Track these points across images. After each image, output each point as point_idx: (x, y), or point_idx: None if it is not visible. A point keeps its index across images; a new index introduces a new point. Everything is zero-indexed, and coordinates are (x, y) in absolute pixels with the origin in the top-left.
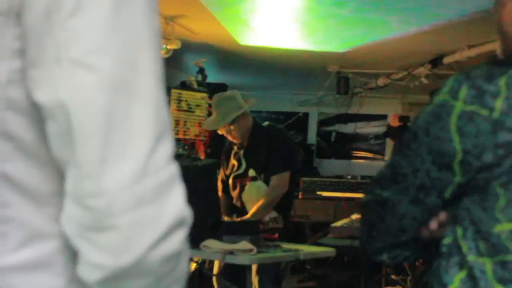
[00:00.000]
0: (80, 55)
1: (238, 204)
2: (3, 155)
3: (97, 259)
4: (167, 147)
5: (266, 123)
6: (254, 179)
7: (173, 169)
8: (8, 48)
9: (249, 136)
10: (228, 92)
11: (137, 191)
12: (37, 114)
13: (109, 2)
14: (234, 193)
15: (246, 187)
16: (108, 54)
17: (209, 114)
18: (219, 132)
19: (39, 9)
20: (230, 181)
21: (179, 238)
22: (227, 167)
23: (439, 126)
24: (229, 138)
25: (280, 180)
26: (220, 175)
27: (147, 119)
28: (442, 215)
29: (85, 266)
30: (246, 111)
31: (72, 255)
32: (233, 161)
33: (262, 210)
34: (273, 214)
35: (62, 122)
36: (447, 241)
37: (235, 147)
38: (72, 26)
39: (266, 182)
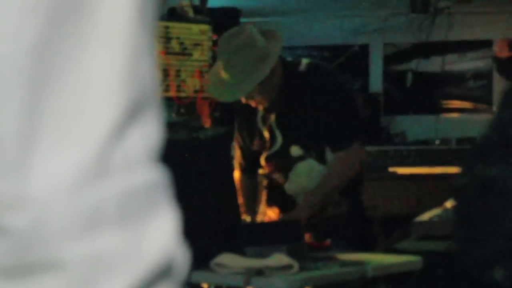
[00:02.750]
0: None
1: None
2: None
3: None
4: (147, 134)
5: (304, 61)
6: (300, 159)
7: (157, 175)
8: None
9: (281, 92)
10: (242, 31)
11: (87, 203)
12: None
13: None
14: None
15: (291, 174)
16: None
17: (214, 57)
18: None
19: None
20: (263, 163)
21: None
22: (251, 140)
23: None
24: (252, 104)
25: (349, 157)
26: (237, 152)
27: (109, 78)
28: None
29: None
30: (276, 62)
31: None
32: (264, 133)
33: (317, 204)
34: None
35: None
36: None
37: (261, 108)
38: None
39: (320, 159)
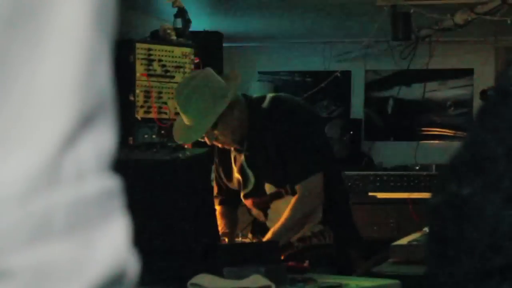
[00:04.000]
0: None
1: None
2: None
3: None
4: (100, 142)
5: (269, 96)
6: (277, 196)
7: (109, 183)
8: None
9: (248, 131)
10: (198, 74)
11: (34, 213)
12: None
13: None
14: (256, 213)
15: (270, 212)
16: None
17: None
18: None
19: None
20: (244, 201)
21: None
22: (227, 177)
23: None
24: (218, 145)
25: (305, 189)
26: (215, 188)
27: (62, 86)
28: None
29: None
30: (233, 98)
31: None
32: (236, 174)
33: (283, 234)
34: (316, 227)
35: None
36: None
37: (233, 149)
38: None
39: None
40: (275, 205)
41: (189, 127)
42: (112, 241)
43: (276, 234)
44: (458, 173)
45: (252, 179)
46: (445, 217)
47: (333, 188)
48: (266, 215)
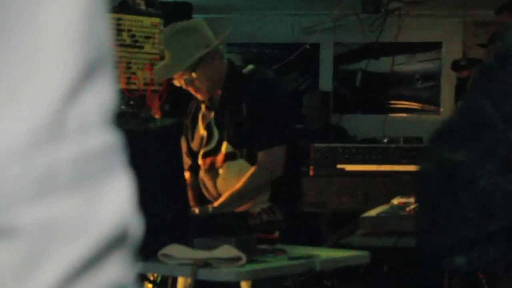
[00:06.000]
0: None
1: (214, 195)
2: None
3: None
4: (102, 95)
5: (249, 67)
6: (231, 157)
7: (112, 138)
8: None
9: (222, 90)
10: (188, 22)
11: (39, 167)
12: None
13: None
14: (207, 180)
15: (221, 171)
16: None
17: None
18: (176, 83)
19: None
20: (200, 161)
21: (119, 264)
22: (193, 139)
23: None
24: (191, 91)
25: (268, 157)
26: (184, 148)
27: (64, 36)
28: None
29: None
30: (217, 49)
31: None
32: (202, 130)
33: (234, 201)
34: (264, 204)
35: None
36: None
37: (203, 107)
38: None
39: (251, 160)
40: (227, 167)
41: (168, 65)
42: (117, 198)
43: (228, 198)
44: (451, 140)
45: (216, 136)
46: (436, 184)
47: (289, 164)
48: (216, 177)
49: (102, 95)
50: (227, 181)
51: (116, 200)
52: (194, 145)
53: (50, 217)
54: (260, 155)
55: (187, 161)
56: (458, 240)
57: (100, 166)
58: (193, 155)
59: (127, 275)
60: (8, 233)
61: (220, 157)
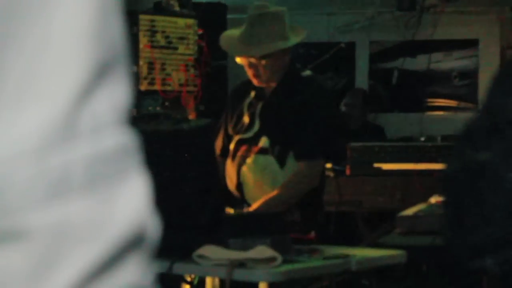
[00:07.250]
0: None
1: (234, 183)
2: None
3: None
4: (116, 95)
5: (307, 72)
6: (264, 151)
7: (126, 138)
8: None
9: (277, 85)
10: (275, 8)
11: (52, 168)
12: None
13: None
14: (231, 166)
15: (249, 160)
16: None
17: (200, 51)
18: (238, 60)
19: None
20: (232, 146)
21: (136, 266)
22: (232, 122)
23: None
24: (249, 73)
25: (309, 169)
26: (220, 136)
27: (77, 36)
28: None
29: None
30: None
31: None
32: (246, 117)
33: (270, 208)
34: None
35: None
36: None
37: (252, 93)
38: None
39: (281, 160)
40: (255, 158)
41: (247, 43)
42: (132, 199)
43: (263, 204)
44: (474, 139)
45: (256, 127)
46: (462, 184)
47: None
48: (242, 164)
49: (116, 95)
50: (250, 173)
51: (131, 201)
52: (230, 129)
53: (63, 219)
54: (302, 165)
55: (219, 144)
56: (485, 241)
57: (114, 167)
58: (227, 138)
59: (145, 277)
60: (20, 236)
61: (255, 149)
